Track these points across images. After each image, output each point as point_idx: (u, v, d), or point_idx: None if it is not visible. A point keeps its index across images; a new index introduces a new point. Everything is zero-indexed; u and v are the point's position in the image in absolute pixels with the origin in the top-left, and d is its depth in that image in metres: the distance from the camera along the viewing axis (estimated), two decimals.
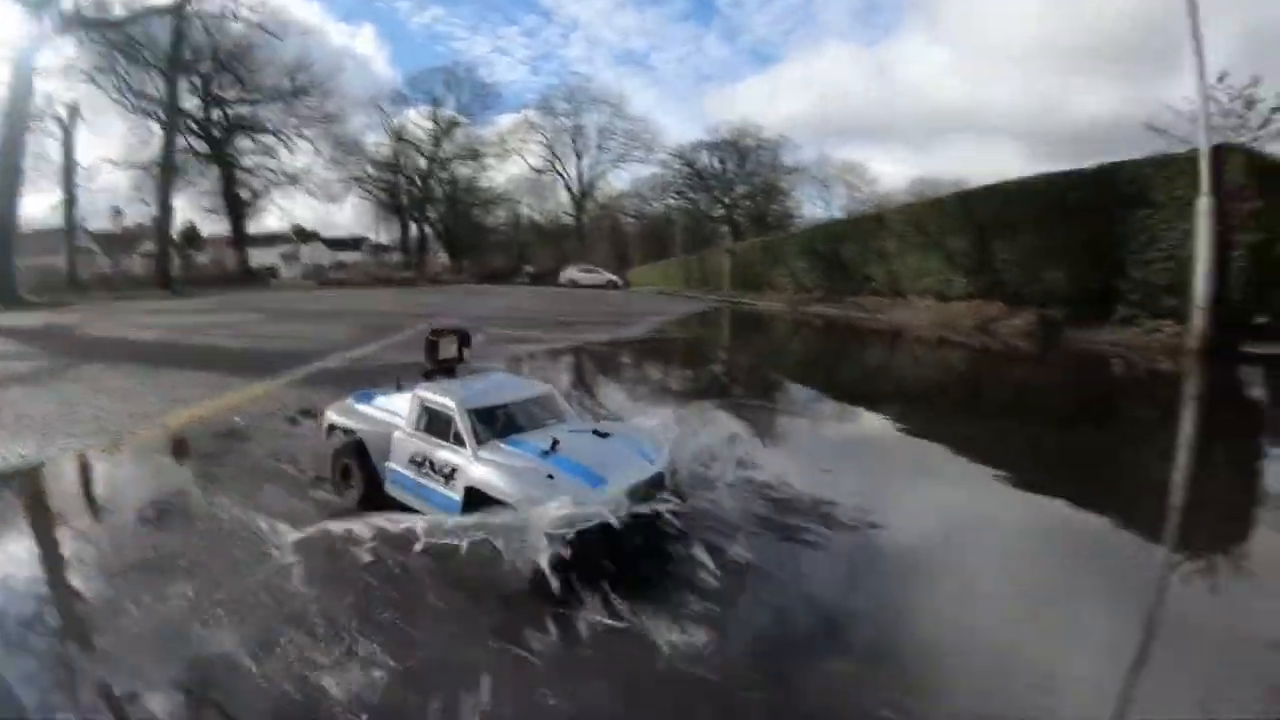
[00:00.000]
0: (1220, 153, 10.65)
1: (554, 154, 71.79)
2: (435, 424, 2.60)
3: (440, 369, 2.91)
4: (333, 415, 2.94)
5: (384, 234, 70.52)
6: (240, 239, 48.44)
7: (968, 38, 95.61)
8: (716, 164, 68.40)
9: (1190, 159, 10.87)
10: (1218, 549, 3.47)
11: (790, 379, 9.46)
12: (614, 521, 2.47)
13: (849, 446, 5.68)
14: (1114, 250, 12.06)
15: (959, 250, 15.48)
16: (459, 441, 2.51)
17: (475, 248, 70.32)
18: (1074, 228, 12.66)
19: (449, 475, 2.47)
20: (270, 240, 58.70)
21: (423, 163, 67.48)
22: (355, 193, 64.43)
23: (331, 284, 34.40)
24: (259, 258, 51.86)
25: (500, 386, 2.97)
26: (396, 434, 2.66)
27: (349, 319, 12.36)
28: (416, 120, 66.82)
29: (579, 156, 71.86)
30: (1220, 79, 13.68)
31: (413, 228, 69.35)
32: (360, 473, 2.78)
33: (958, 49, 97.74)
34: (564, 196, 73.08)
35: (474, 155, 69.22)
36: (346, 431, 2.90)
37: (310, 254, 65.28)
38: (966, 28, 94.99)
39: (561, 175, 72.43)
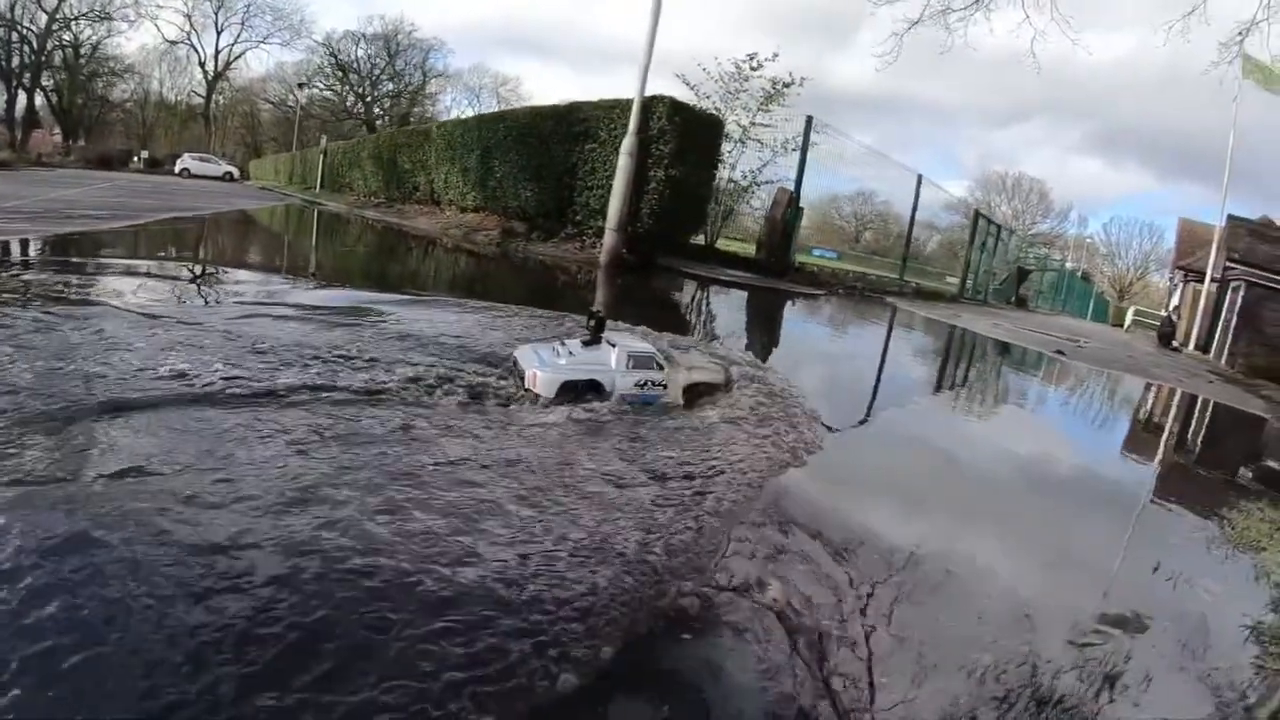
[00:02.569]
0: (651, 101, 11.07)
1: (192, 25, 60.87)
2: (641, 363, 3.37)
3: (596, 336, 3.48)
4: (551, 374, 3.26)
5: None
6: None
7: None
8: (364, 58, 63.15)
9: (630, 104, 11.02)
10: None
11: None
12: None
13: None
14: (569, 176, 12.30)
15: (471, 167, 15.16)
16: (660, 368, 3.38)
17: (95, 126, 59.99)
18: (544, 155, 12.72)
19: (664, 385, 3.38)
20: None
21: (42, 19, 55.11)
22: None
23: None
24: None
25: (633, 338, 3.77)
26: (617, 375, 3.32)
27: None
28: None
29: (219, 31, 61.78)
30: (751, 56, 14.25)
31: (21, 98, 55.46)
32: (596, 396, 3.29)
33: None
34: (199, 75, 64.79)
35: (105, 16, 57.75)
36: (572, 381, 3.29)
37: None
38: None
39: (197, 50, 62.84)
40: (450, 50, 78.92)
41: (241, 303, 4.50)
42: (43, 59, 55.63)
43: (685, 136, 10.95)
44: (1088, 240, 69.48)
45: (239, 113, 64.72)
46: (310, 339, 3.65)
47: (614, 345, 3.42)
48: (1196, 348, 21.67)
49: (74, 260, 5.82)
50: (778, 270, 13.37)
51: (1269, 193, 66.56)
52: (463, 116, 20.82)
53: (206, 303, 4.56)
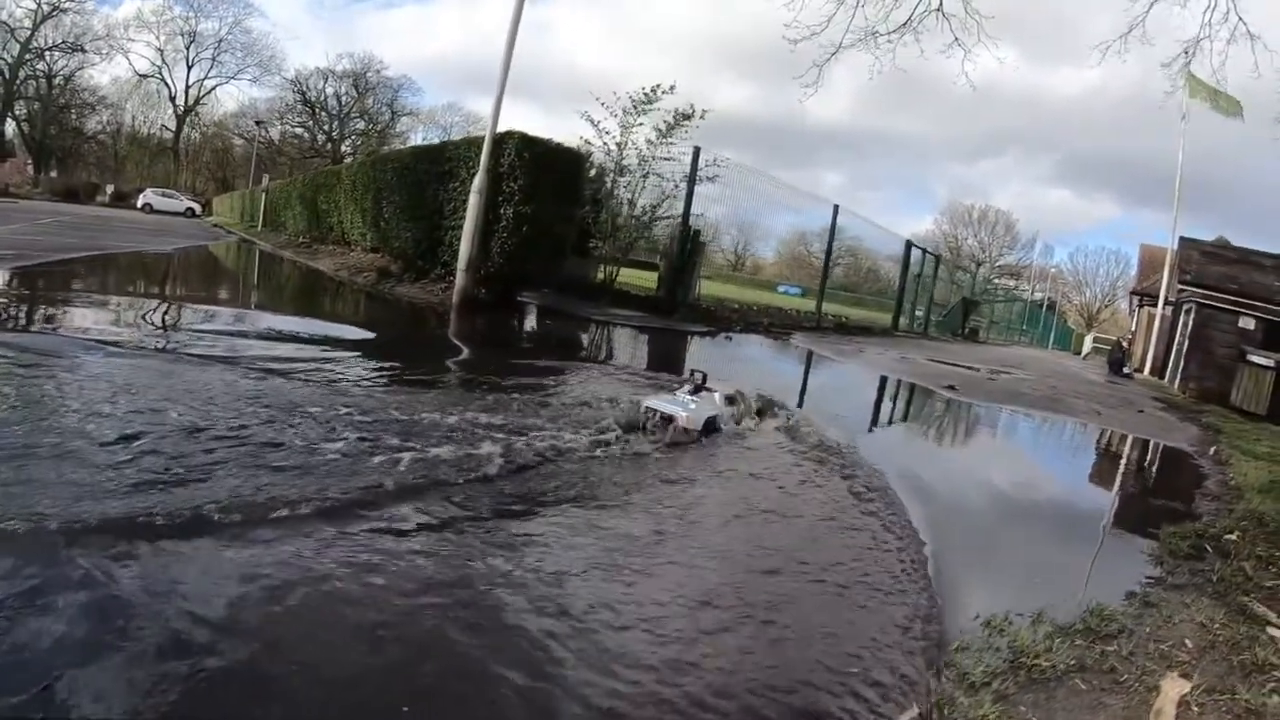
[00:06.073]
0: (503, 137, 11.30)
1: (164, 59, 63.34)
2: (730, 401, 4.75)
3: (702, 385, 4.73)
4: (696, 415, 4.41)
5: None
6: None
7: (623, 12, 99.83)
8: (332, 96, 65.26)
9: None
10: None
11: None
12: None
13: None
14: (439, 216, 12.61)
15: (368, 208, 15.63)
16: (735, 403, 4.82)
17: (68, 157, 61.51)
18: (420, 195, 13.13)
19: (739, 414, 4.83)
20: None
21: (15, 49, 56.67)
22: None
23: None
24: None
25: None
26: (724, 410, 4.62)
27: None
28: None
29: (190, 66, 64.18)
30: (655, 88, 14.73)
31: None
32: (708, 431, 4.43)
33: (613, 21, 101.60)
34: (170, 109, 66.39)
35: (78, 48, 59.34)
36: (709, 419, 4.50)
37: None
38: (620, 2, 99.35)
39: (168, 84, 64.77)
40: (419, 89, 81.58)
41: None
42: (15, 88, 57.23)
43: (538, 172, 11.23)
44: (1053, 270, 72.51)
45: (212, 148, 66.13)
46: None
47: (714, 391, 4.73)
48: (1152, 373, 21.89)
49: None
50: (666, 308, 13.74)
51: (1233, 214, 67.92)
52: (364, 158, 21.44)
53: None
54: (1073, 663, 2.32)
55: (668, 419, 4.32)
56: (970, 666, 2.24)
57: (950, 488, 4.88)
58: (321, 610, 1.99)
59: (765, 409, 5.25)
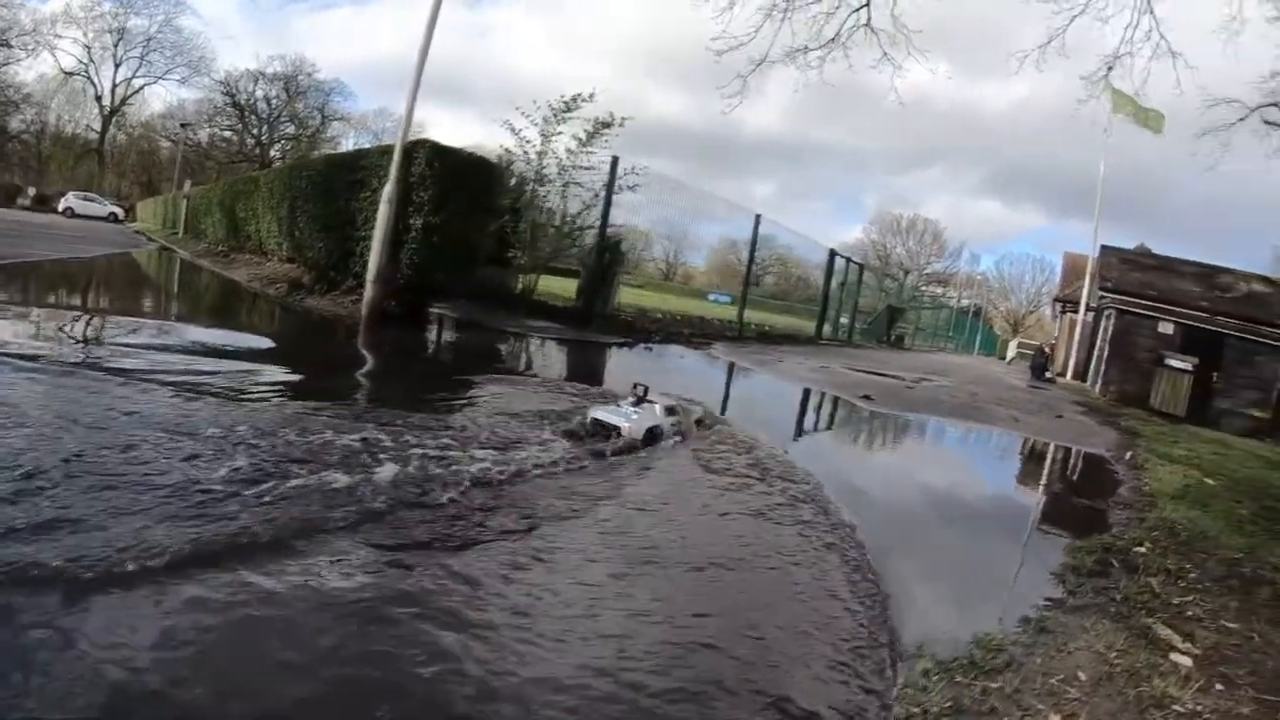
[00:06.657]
0: (414, 145, 11.21)
1: (90, 56, 61.97)
2: (671, 411, 5.00)
3: (643, 398, 4.97)
4: (638, 425, 4.69)
5: None
6: None
7: (563, 20, 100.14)
8: (262, 99, 64.31)
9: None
10: None
11: None
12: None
13: None
14: (350, 227, 12.41)
15: (284, 216, 15.35)
16: (676, 413, 5.05)
17: None
18: (335, 204, 12.92)
19: (680, 422, 5.05)
20: None
21: None
22: None
23: None
24: None
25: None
26: (664, 422, 4.86)
27: None
28: None
29: (117, 65, 62.64)
30: (575, 96, 14.74)
31: None
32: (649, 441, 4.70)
33: (555, 26, 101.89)
34: (95, 109, 64.67)
35: (3, 43, 57.44)
36: (650, 428, 4.76)
37: None
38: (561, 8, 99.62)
39: (94, 83, 63.40)
40: (351, 93, 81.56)
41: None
42: None
43: (450, 181, 11.17)
44: (979, 277, 75.77)
45: (138, 150, 64.61)
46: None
47: (654, 402, 5.00)
48: (1075, 377, 22.54)
49: None
50: (584, 319, 13.76)
51: (1156, 224, 71.00)
52: (281, 166, 21.11)
53: None
54: (948, 704, 2.12)
55: (611, 429, 4.61)
56: (827, 712, 2.06)
57: (842, 504, 4.15)
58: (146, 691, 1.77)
59: (704, 420, 5.56)
